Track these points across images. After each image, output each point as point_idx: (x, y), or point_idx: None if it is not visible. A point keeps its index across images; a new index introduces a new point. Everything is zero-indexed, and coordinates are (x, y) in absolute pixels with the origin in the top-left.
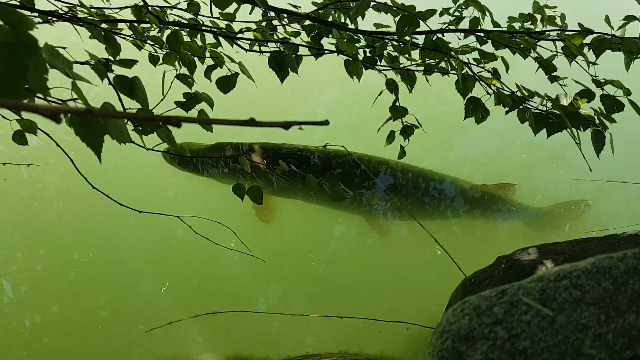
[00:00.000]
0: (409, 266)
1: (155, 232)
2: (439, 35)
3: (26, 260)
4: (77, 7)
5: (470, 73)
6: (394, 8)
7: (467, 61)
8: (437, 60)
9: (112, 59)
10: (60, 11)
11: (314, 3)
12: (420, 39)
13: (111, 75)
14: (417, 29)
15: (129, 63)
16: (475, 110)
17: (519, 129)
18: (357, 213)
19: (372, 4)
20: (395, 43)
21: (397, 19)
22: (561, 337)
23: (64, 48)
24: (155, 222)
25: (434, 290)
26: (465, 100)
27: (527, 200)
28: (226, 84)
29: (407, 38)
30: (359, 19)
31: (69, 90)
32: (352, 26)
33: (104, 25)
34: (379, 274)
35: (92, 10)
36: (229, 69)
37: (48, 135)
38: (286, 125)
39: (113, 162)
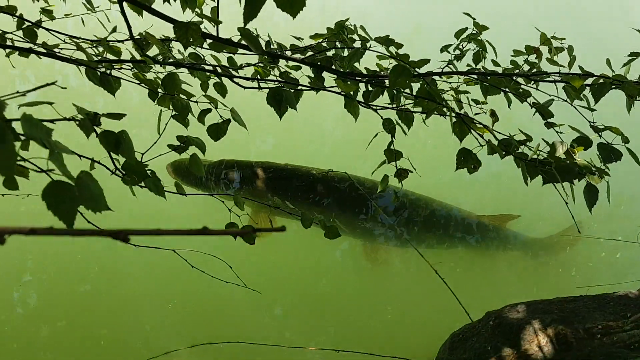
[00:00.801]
0: (408, 296)
1: (154, 261)
2: (437, 78)
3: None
4: (79, 40)
5: (464, 120)
6: (391, 56)
7: (466, 101)
8: (431, 110)
9: (99, 113)
10: (61, 42)
11: (312, 38)
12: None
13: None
14: (412, 74)
15: (118, 116)
16: (467, 162)
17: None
18: (358, 237)
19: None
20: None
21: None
22: None
23: (63, 88)
24: (153, 251)
25: (433, 322)
26: (457, 151)
27: (532, 226)
28: (217, 131)
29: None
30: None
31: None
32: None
33: (99, 63)
34: (377, 305)
35: (89, 45)
36: (220, 116)
37: (42, 169)
38: (243, 234)
39: (109, 192)
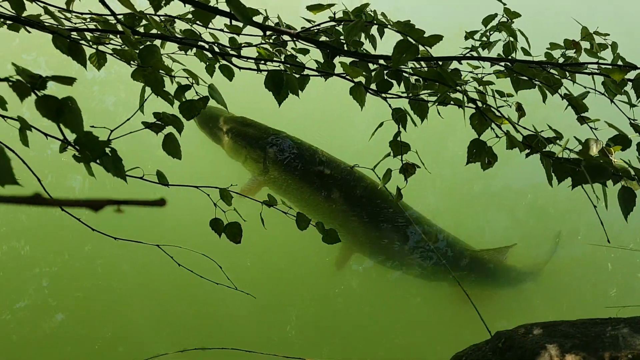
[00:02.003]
0: (419, 310)
1: (145, 260)
2: (458, 63)
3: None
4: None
5: (482, 111)
6: (398, 32)
7: (489, 93)
8: (441, 95)
9: (46, 76)
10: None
11: (304, 32)
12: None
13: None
14: (423, 56)
15: (68, 80)
16: (479, 155)
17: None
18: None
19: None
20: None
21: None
22: None
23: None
24: (144, 250)
25: (447, 338)
26: (469, 143)
27: (569, 239)
28: (190, 109)
29: (411, 65)
30: (378, 40)
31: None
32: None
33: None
34: (378, 315)
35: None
36: (196, 92)
37: (13, 151)
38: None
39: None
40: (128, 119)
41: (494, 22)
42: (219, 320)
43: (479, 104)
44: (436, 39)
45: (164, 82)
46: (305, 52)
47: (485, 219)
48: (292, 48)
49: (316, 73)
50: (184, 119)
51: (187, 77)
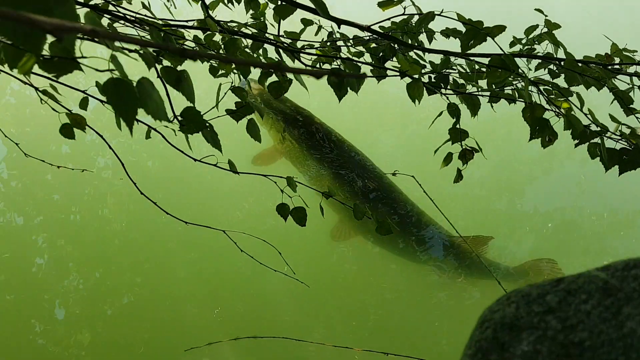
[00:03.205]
0: (461, 305)
1: (200, 247)
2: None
3: (77, 280)
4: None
5: (539, 99)
6: (462, 22)
7: (535, 90)
8: (502, 79)
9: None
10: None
11: (381, 27)
12: (485, 64)
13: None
14: (487, 52)
15: (178, 60)
16: (542, 131)
17: (592, 193)
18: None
19: (437, 26)
20: (462, 69)
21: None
22: (627, 330)
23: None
24: (201, 237)
25: None
26: (532, 121)
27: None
28: (278, 89)
29: (472, 58)
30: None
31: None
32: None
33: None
34: (431, 313)
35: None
36: (282, 74)
37: (97, 132)
38: (317, 74)
39: (158, 174)
40: (213, 107)
41: (535, 33)
42: (271, 308)
43: (535, 96)
44: (500, 29)
45: (250, 69)
46: (360, 54)
47: (512, 238)
48: (347, 52)
49: (371, 74)
50: (273, 97)
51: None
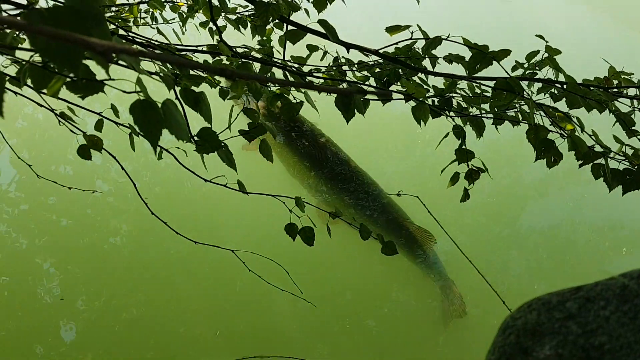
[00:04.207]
0: (465, 323)
1: (205, 265)
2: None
3: (83, 301)
4: (153, 40)
5: (542, 121)
6: (467, 46)
7: (539, 112)
8: (507, 102)
9: (181, 73)
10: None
11: (384, 51)
12: (490, 86)
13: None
14: (490, 76)
15: (197, 80)
16: (548, 152)
17: (589, 207)
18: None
19: (442, 55)
20: (465, 93)
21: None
22: None
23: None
24: (207, 256)
25: None
26: (538, 142)
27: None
28: (290, 110)
29: (478, 81)
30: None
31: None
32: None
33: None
34: (436, 330)
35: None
36: (294, 97)
37: (110, 154)
38: (346, 93)
39: (168, 194)
40: (226, 128)
41: (537, 59)
42: (276, 327)
43: (538, 118)
44: (505, 53)
45: (260, 91)
46: (365, 79)
47: (508, 258)
48: (353, 76)
49: (375, 97)
50: (285, 118)
51: (278, 88)
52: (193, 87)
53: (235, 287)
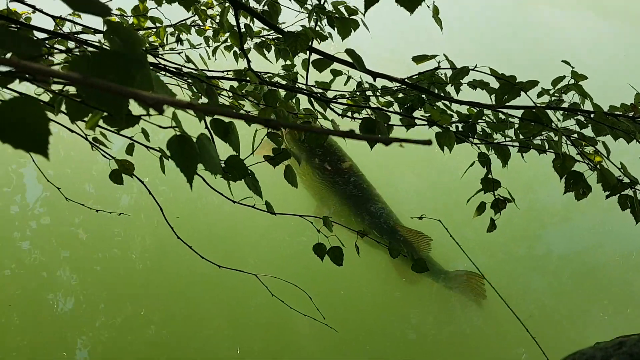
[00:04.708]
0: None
1: (227, 285)
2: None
3: (101, 320)
4: (183, 66)
5: (568, 149)
6: (495, 77)
7: (565, 141)
8: (534, 132)
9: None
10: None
11: (408, 78)
12: (516, 115)
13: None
14: (516, 104)
15: (228, 112)
16: (577, 185)
17: (610, 233)
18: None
19: (466, 80)
20: (489, 119)
21: (493, 96)
22: None
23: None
24: (229, 275)
25: None
26: (566, 175)
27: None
28: (316, 138)
29: (504, 111)
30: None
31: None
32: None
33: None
34: (459, 353)
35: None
36: (321, 125)
37: (139, 179)
38: (386, 142)
39: (194, 217)
40: (250, 154)
41: (562, 84)
42: (297, 351)
43: (566, 147)
44: (532, 84)
45: (289, 119)
46: (388, 105)
47: (530, 282)
48: (377, 102)
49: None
50: (311, 145)
51: (309, 115)
52: (222, 117)
53: (256, 306)
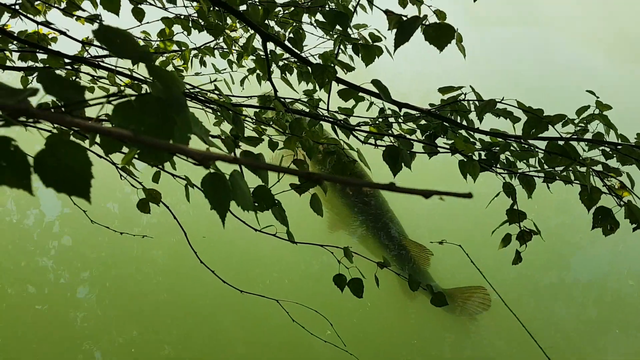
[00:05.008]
0: None
1: (246, 306)
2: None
3: (120, 335)
4: (209, 92)
5: (595, 182)
6: (522, 110)
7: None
8: (561, 167)
9: (240, 135)
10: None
11: (430, 105)
12: (539, 146)
13: (238, 151)
14: (543, 136)
15: (255, 141)
16: (605, 221)
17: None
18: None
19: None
20: (513, 147)
21: (516, 125)
22: None
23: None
24: (252, 303)
25: None
26: (594, 209)
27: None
28: (343, 169)
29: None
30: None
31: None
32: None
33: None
34: None
35: (221, 96)
36: (347, 156)
37: (166, 206)
38: (426, 194)
39: (215, 242)
40: (277, 182)
41: (585, 114)
42: None
43: (592, 179)
44: (560, 117)
45: (316, 148)
46: (411, 132)
47: (554, 310)
48: (400, 129)
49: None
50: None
51: (334, 145)
52: (251, 149)
53: (276, 329)
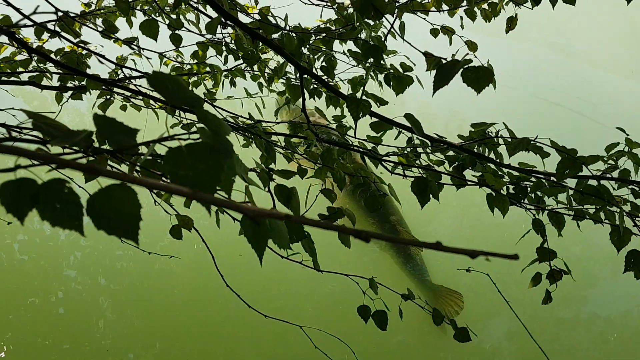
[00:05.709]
0: None
1: (266, 328)
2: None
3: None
4: (239, 117)
5: (625, 224)
6: (556, 149)
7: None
8: (596, 207)
9: (274, 168)
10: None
11: (459, 136)
12: (569, 183)
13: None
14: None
15: (288, 174)
16: (637, 265)
17: None
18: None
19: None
20: (543, 183)
21: (545, 160)
22: None
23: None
24: (274, 328)
25: None
26: (627, 253)
27: None
28: (373, 204)
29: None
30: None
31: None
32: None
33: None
34: None
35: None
36: (377, 190)
37: (198, 232)
38: (473, 255)
39: (241, 267)
40: (306, 210)
41: (614, 151)
42: None
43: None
44: (594, 159)
45: (345, 180)
46: (440, 163)
47: (575, 342)
48: (428, 159)
49: (450, 182)
50: (369, 211)
51: (364, 177)
52: (284, 182)
53: (297, 355)
